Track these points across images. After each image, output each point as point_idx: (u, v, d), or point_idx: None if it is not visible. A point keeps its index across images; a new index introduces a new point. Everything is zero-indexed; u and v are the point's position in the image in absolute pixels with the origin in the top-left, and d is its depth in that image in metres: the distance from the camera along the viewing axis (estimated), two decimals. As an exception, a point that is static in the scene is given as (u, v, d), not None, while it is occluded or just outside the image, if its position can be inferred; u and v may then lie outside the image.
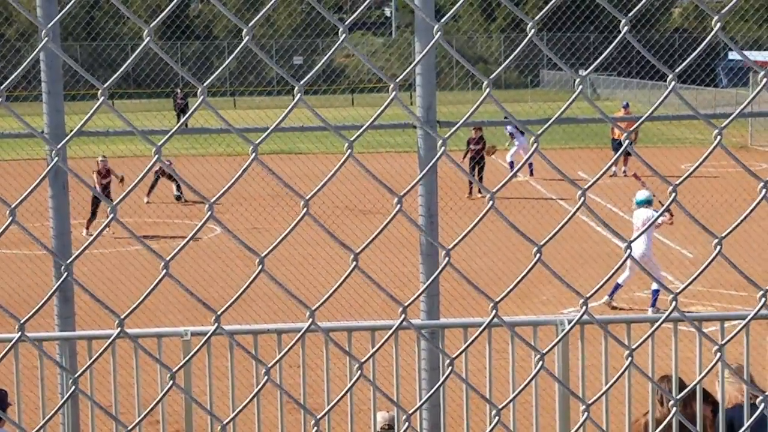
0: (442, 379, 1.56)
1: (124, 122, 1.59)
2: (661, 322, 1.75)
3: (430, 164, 1.56)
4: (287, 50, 55.74)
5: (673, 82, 1.54)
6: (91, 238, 1.69)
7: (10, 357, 6.52)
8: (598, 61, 1.71)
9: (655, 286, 14.28)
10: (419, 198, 7.99)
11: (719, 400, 6.31)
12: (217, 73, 1.54)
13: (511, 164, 26.91)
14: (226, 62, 1.62)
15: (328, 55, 1.48)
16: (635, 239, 1.80)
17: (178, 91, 43.15)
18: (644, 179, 15.80)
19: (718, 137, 1.50)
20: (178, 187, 23.91)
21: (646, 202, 14.52)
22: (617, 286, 14.27)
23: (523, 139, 26.88)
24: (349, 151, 1.53)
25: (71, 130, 7.52)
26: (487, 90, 1.46)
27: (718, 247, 1.55)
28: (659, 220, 14.26)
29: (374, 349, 1.69)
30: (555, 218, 19.02)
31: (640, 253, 14.06)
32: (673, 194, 1.61)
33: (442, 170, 7.71)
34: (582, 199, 1.56)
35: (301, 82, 1.48)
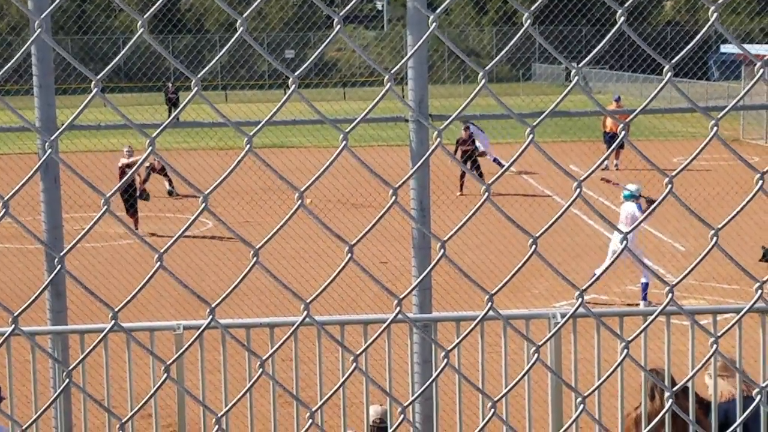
0: (437, 372, 1.56)
1: (119, 114, 1.58)
2: (657, 314, 1.75)
3: (427, 155, 1.55)
4: (279, 44, 55.66)
5: (669, 73, 1.54)
6: (83, 231, 1.69)
7: (2, 351, 6.51)
8: (595, 51, 1.71)
9: (643, 279, 14.35)
10: (411, 192, 8.00)
11: (709, 397, 6.33)
12: (211, 64, 1.53)
13: (495, 160, 26.90)
14: (220, 54, 1.61)
15: (324, 45, 1.48)
16: (630, 232, 1.80)
17: (170, 85, 43.08)
18: (616, 181, 15.79)
19: (714, 128, 1.50)
20: (170, 183, 23.88)
21: (632, 197, 14.67)
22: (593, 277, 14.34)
23: (484, 137, 26.92)
24: (345, 142, 1.52)
25: (63, 124, 7.52)
26: (483, 82, 1.46)
27: (715, 239, 1.55)
28: (637, 216, 14.38)
29: (369, 342, 1.69)
30: (547, 212, 19.04)
31: (621, 244, 14.22)
32: (669, 186, 1.61)
33: (434, 164, 7.70)
34: (578, 190, 1.55)
35: (296, 74, 1.48)
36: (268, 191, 17.80)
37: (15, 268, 14.42)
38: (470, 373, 7.92)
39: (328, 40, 1.53)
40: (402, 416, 1.58)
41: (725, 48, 52.06)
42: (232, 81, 52.51)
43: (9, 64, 1.61)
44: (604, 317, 6.91)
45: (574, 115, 9.34)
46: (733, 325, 1.81)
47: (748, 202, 1.59)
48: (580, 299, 1.65)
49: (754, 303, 1.63)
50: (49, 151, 1.50)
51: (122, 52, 1.58)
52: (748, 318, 6.46)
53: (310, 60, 1.51)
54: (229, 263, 15.29)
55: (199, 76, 1.48)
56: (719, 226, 1.58)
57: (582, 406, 1.66)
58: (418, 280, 1.69)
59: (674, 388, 1.90)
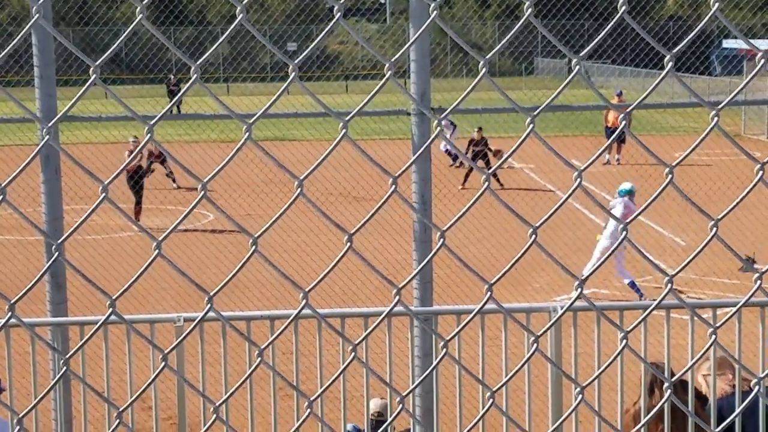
0: (436, 361, 1.55)
1: (118, 101, 1.57)
2: (657, 303, 1.74)
3: (428, 142, 1.55)
4: (281, 36, 55.62)
5: (670, 64, 1.53)
6: (82, 218, 1.68)
7: (2, 342, 6.51)
8: (596, 41, 1.70)
9: (625, 280, 14.49)
10: (413, 185, 7.99)
11: (705, 393, 6.33)
12: (210, 51, 1.52)
13: (447, 152, 26.93)
14: (221, 40, 1.60)
15: (324, 32, 1.47)
16: (629, 222, 1.79)
17: (171, 77, 43.14)
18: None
19: (715, 119, 1.49)
20: (170, 171, 24.00)
21: (627, 193, 14.90)
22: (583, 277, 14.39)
23: (456, 131, 27.12)
24: (344, 131, 1.52)
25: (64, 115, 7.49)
26: (483, 71, 1.45)
27: (714, 230, 1.54)
28: (632, 210, 14.59)
29: (369, 330, 1.68)
30: (549, 206, 19.03)
31: (608, 243, 14.55)
32: (670, 176, 1.60)
33: (437, 158, 7.72)
34: (578, 180, 1.55)
35: (296, 61, 1.47)
36: (269, 183, 17.78)
37: (15, 259, 14.42)
38: (471, 367, 7.91)
39: (328, 28, 1.53)
40: (401, 406, 1.58)
41: (727, 43, 51.97)
42: (234, 73, 52.51)
43: (7, 50, 1.60)
44: (604, 310, 6.90)
45: (576, 109, 9.34)
46: (732, 315, 1.80)
47: (747, 193, 1.59)
48: (579, 289, 1.65)
49: (754, 293, 1.62)
50: (47, 137, 1.50)
51: (122, 37, 1.58)
52: (747, 312, 6.46)
53: (310, 48, 1.50)
54: (230, 256, 15.29)
55: (198, 63, 1.48)
56: (718, 217, 1.57)
57: (581, 396, 1.66)
58: (418, 268, 1.69)
59: (673, 379, 1.89)
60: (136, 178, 20.08)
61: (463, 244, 14.97)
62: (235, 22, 1.48)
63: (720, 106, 1.51)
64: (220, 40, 1.62)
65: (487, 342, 6.38)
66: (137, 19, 1.45)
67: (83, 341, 1.71)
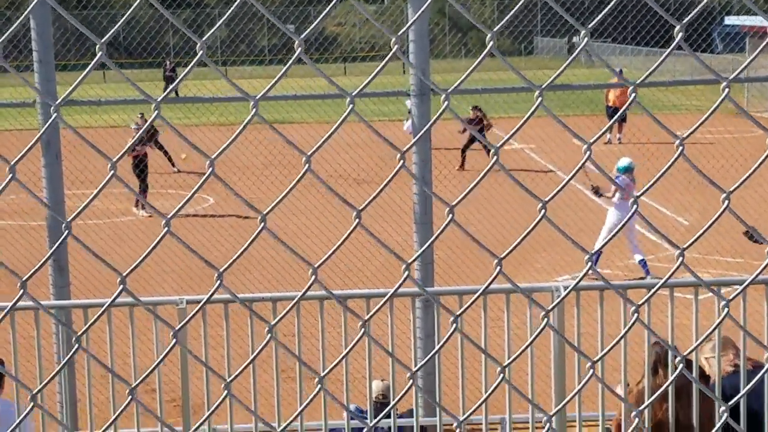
0: (446, 337, 1.55)
1: (124, 78, 1.56)
2: (668, 277, 1.74)
3: (436, 116, 1.54)
4: (279, 18, 55.46)
5: (680, 34, 1.52)
6: (90, 197, 1.67)
7: (6, 326, 6.52)
8: (599, 19, 1.68)
9: (637, 256, 14.43)
10: (413, 167, 7.98)
11: (708, 374, 6.33)
12: (215, 27, 1.51)
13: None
14: (225, 17, 1.59)
15: (331, 5, 1.46)
16: (639, 196, 1.78)
17: (168, 62, 43.09)
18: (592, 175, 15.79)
19: (726, 90, 1.48)
20: (169, 159, 24.07)
21: (627, 170, 14.91)
22: (598, 255, 14.36)
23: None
24: (351, 105, 1.51)
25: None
26: (491, 43, 1.44)
27: (726, 202, 1.53)
28: (607, 194, 14.73)
29: (378, 307, 1.68)
30: (550, 187, 19.01)
31: (616, 219, 14.56)
32: (681, 148, 1.59)
33: (436, 138, 7.71)
34: (588, 153, 1.54)
35: (302, 36, 1.46)
36: (269, 166, 17.77)
37: (18, 244, 14.42)
38: (473, 348, 7.92)
39: (332, 5, 1.51)
40: (411, 381, 1.57)
41: (729, 20, 51.83)
42: (232, 56, 52.42)
43: (9, 32, 1.59)
44: (607, 290, 6.91)
45: (577, 89, 9.31)
46: (744, 288, 1.80)
47: (761, 163, 1.58)
48: (589, 263, 1.64)
49: (765, 266, 1.62)
50: (54, 115, 1.49)
51: (127, 15, 1.57)
52: (752, 290, 6.46)
53: (317, 21, 1.49)
54: (231, 239, 15.29)
55: (204, 39, 1.47)
56: (731, 189, 1.57)
57: (591, 371, 1.65)
58: (426, 244, 1.68)
59: (680, 356, 1.89)
60: (136, 162, 20.12)
61: (465, 225, 14.94)
62: (237, 3, 1.47)
63: (731, 77, 1.50)
64: (224, 17, 1.61)
65: (489, 323, 6.39)
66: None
67: (95, 318, 1.71)
